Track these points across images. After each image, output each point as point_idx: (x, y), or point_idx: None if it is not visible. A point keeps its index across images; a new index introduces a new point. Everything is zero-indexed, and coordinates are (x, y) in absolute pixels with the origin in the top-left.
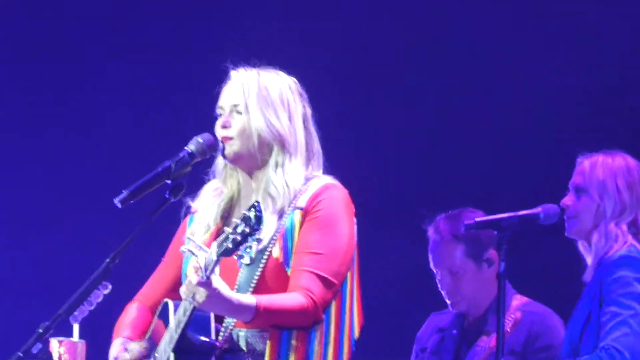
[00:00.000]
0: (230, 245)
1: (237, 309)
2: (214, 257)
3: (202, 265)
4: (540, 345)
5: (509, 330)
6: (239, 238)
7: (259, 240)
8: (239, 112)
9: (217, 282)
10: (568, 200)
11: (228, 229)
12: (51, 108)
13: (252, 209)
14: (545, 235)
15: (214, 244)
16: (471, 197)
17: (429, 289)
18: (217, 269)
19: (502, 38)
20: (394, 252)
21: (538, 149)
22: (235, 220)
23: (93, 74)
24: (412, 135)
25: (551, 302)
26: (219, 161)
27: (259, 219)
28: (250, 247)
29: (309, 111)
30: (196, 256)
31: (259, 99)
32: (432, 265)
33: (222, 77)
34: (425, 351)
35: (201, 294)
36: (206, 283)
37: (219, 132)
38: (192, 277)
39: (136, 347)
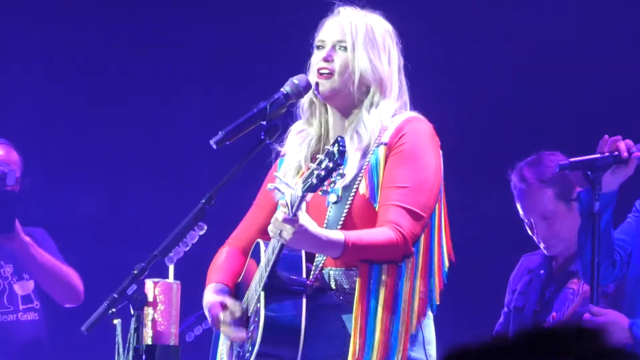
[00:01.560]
0: (314, 181)
1: (325, 244)
2: (300, 193)
3: (289, 202)
4: (630, 287)
5: None
6: (323, 173)
7: (342, 175)
8: (342, 49)
9: (304, 218)
10: None
11: (312, 165)
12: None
13: (336, 144)
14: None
15: (299, 181)
16: (552, 142)
17: (518, 232)
18: (303, 207)
19: None
20: (482, 198)
21: (623, 92)
22: (320, 156)
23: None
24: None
25: None
26: (305, 99)
27: (342, 153)
28: (334, 182)
29: (402, 61)
30: (283, 193)
31: (366, 40)
32: (522, 214)
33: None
34: (515, 292)
35: (288, 231)
36: (292, 220)
37: (319, 64)
38: (278, 214)
39: (234, 307)
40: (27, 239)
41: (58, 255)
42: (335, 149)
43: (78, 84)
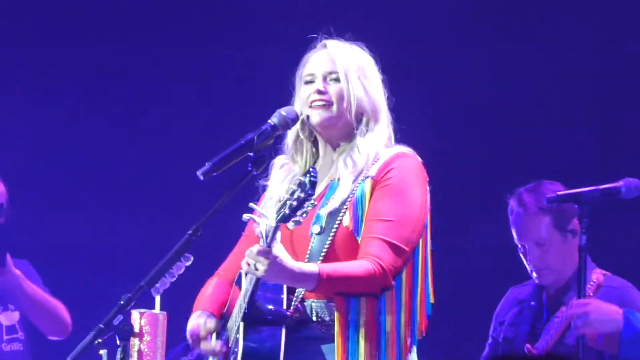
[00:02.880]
0: (287, 211)
1: (299, 277)
2: (273, 224)
3: (263, 233)
4: None
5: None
6: (294, 203)
7: (314, 205)
8: (335, 80)
9: (278, 250)
10: None
11: (285, 195)
12: (131, 87)
13: (308, 175)
14: (626, 210)
15: (273, 211)
16: (548, 172)
17: (505, 264)
18: (278, 237)
19: None
20: (469, 230)
21: (618, 122)
22: (292, 186)
23: (168, 55)
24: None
25: (632, 277)
26: (290, 136)
27: (313, 184)
28: (306, 212)
29: (385, 90)
30: (258, 224)
31: (358, 69)
32: (516, 239)
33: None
34: (503, 324)
35: (262, 263)
36: (266, 251)
37: (311, 97)
38: (253, 246)
39: (210, 323)
40: (18, 272)
41: (44, 288)
42: (307, 179)
43: (63, 112)
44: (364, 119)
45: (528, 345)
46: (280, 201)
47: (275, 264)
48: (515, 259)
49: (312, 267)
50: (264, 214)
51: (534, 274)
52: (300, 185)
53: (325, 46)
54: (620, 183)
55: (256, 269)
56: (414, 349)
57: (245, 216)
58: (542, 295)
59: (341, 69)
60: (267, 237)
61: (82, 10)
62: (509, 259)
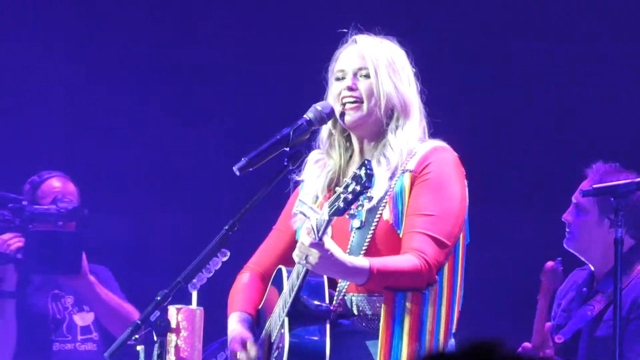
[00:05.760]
0: (341, 205)
1: (351, 271)
2: (326, 217)
3: (314, 227)
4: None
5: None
6: (350, 197)
7: (370, 199)
8: (365, 76)
9: (330, 243)
10: None
11: (339, 189)
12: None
13: (363, 167)
14: None
15: (326, 205)
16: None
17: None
18: (329, 232)
19: None
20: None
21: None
22: (347, 179)
23: (200, 52)
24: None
25: None
26: (324, 131)
27: (370, 176)
28: (362, 205)
29: (418, 84)
30: (308, 218)
31: (387, 64)
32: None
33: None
34: (560, 307)
35: (314, 256)
36: (318, 244)
37: (342, 94)
38: (304, 238)
39: (252, 350)
40: (92, 278)
41: (120, 294)
42: (363, 172)
43: (98, 110)
44: (395, 115)
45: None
46: (319, 199)
47: (327, 257)
48: (549, 254)
49: (364, 262)
50: (314, 208)
51: (572, 246)
52: (356, 178)
53: (355, 42)
54: None
55: (307, 261)
56: (452, 342)
57: (295, 209)
58: (592, 281)
59: (371, 65)
60: (318, 230)
61: (151, 10)
62: (543, 254)
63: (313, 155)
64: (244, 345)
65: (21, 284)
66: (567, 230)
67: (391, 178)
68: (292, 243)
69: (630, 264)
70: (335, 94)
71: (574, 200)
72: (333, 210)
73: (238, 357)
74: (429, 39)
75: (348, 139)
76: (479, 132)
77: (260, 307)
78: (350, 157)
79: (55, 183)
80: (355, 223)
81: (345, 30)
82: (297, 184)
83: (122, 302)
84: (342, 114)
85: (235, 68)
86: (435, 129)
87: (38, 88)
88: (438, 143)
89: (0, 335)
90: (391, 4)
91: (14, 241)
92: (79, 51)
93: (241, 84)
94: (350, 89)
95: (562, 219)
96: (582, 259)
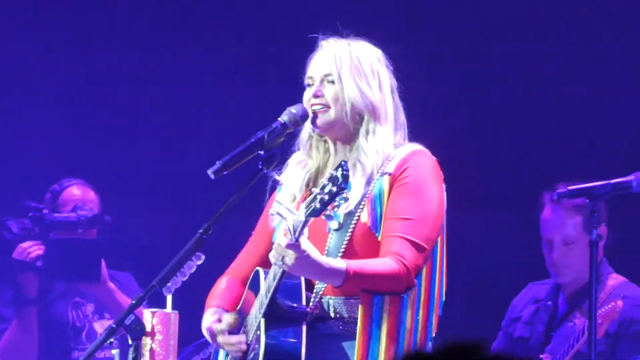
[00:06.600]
0: (318, 205)
1: (327, 272)
2: (302, 218)
3: (291, 228)
4: (635, 329)
5: (608, 316)
6: (326, 197)
7: (345, 199)
8: (331, 82)
9: (306, 244)
10: None
11: (316, 190)
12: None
13: (340, 168)
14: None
15: (302, 206)
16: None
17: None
18: (306, 233)
19: None
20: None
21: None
22: (323, 180)
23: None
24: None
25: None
26: (304, 133)
27: (346, 177)
28: (338, 206)
29: (394, 82)
30: (285, 219)
31: (352, 69)
32: (544, 234)
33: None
34: (519, 320)
35: (290, 257)
36: (295, 245)
37: (310, 101)
38: (281, 239)
39: (229, 318)
40: (112, 285)
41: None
42: (339, 173)
43: (98, 111)
44: (365, 119)
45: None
46: (296, 199)
47: (303, 258)
48: (529, 256)
49: (340, 263)
50: (291, 209)
51: (553, 271)
52: (332, 179)
53: (322, 47)
54: (631, 177)
55: (283, 262)
56: (429, 345)
57: (271, 210)
58: (559, 295)
59: (334, 70)
60: (294, 231)
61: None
62: (524, 255)
63: (296, 157)
64: (219, 319)
65: (42, 291)
66: (555, 272)
67: (369, 182)
68: (271, 246)
69: (601, 276)
70: (305, 101)
71: (556, 238)
72: (309, 211)
73: (215, 329)
74: (429, 39)
75: (327, 140)
76: (479, 132)
77: (238, 308)
78: (329, 159)
79: (75, 191)
80: (333, 225)
81: (315, 35)
82: (274, 187)
83: (142, 308)
84: (313, 119)
85: (235, 69)
86: (436, 129)
87: (38, 88)
88: (417, 147)
89: (22, 342)
90: (391, 4)
91: (34, 249)
92: (79, 51)
93: (241, 84)
94: (315, 95)
95: (549, 263)
96: (555, 277)
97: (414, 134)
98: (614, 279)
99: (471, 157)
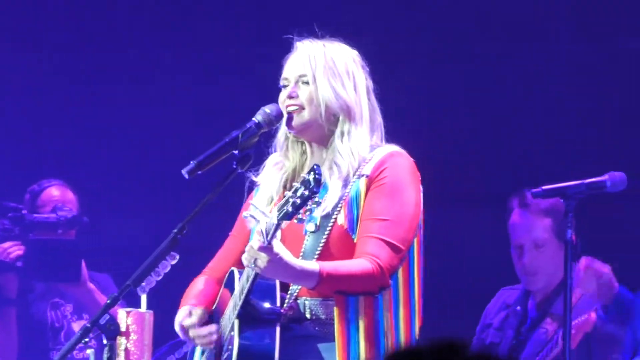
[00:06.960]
0: (290, 209)
1: (300, 274)
2: (275, 221)
3: (264, 230)
4: (607, 330)
5: (581, 328)
6: (298, 201)
7: (318, 203)
8: (305, 83)
9: (279, 247)
10: None
11: (288, 193)
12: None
13: (312, 172)
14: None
15: (275, 209)
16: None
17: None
18: (279, 235)
19: None
20: (464, 229)
21: (604, 119)
22: (295, 184)
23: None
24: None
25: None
26: (280, 134)
27: (318, 181)
28: (310, 210)
29: (370, 84)
30: (258, 221)
31: (326, 70)
32: (514, 239)
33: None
34: (491, 327)
35: (262, 259)
36: (267, 248)
37: (285, 102)
38: (253, 242)
39: (199, 311)
40: (92, 285)
41: (121, 302)
42: (311, 177)
43: (94, 112)
44: (340, 120)
45: None
46: (273, 200)
47: (275, 260)
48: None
49: (313, 265)
50: (264, 211)
51: (524, 278)
52: (304, 182)
53: (297, 48)
54: (605, 177)
55: (256, 265)
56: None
57: (245, 213)
58: (528, 301)
59: (309, 71)
60: (267, 234)
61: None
62: (501, 257)
63: (273, 158)
64: (189, 314)
65: (22, 292)
66: (526, 278)
67: (345, 184)
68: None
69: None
70: (280, 102)
71: (526, 242)
72: (282, 214)
73: (185, 324)
74: (429, 39)
75: (304, 142)
76: (479, 132)
77: (213, 307)
78: (306, 160)
79: (55, 192)
80: (310, 227)
81: (290, 36)
82: (251, 188)
83: (117, 308)
84: (288, 120)
85: (236, 69)
86: (436, 129)
87: (34, 91)
88: (394, 148)
89: (1, 342)
90: (391, 4)
91: (13, 249)
92: (79, 51)
93: (242, 85)
94: (290, 97)
95: (519, 268)
96: (526, 284)
97: (414, 134)
98: None
99: (471, 157)
